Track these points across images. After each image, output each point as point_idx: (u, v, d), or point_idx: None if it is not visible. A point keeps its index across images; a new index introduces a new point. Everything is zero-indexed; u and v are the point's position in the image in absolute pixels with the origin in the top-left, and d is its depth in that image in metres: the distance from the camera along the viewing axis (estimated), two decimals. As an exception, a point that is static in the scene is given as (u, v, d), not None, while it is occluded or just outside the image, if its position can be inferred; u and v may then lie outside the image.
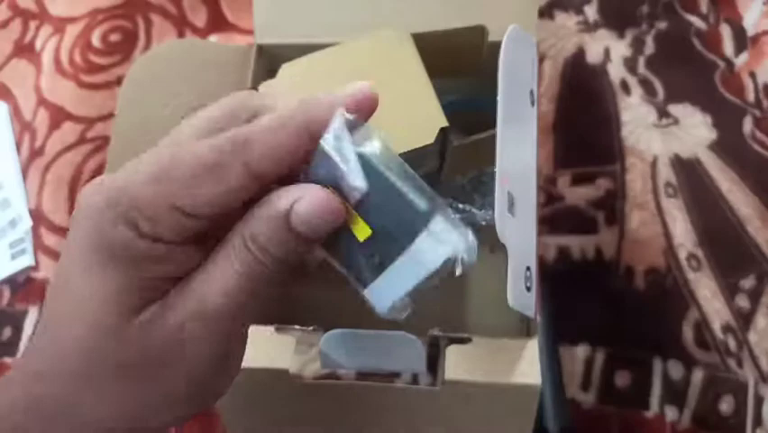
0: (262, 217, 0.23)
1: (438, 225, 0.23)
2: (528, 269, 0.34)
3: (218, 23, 0.65)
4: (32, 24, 0.67)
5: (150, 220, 0.23)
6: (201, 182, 0.23)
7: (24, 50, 0.66)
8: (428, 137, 0.40)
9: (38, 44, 0.66)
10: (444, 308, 0.43)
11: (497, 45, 0.34)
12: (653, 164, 0.54)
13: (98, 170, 0.60)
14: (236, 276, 0.23)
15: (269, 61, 0.50)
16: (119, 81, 0.63)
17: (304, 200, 0.23)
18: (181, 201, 0.23)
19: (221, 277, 0.23)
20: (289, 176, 0.24)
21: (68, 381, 0.23)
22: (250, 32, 0.55)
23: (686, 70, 0.57)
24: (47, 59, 0.65)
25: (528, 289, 0.35)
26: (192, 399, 0.25)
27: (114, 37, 0.65)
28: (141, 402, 0.24)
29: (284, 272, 0.24)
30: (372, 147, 0.23)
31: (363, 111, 0.25)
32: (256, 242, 0.23)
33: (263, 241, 0.23)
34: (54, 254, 0.58)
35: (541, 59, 0.59)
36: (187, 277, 0.24)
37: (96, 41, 0.65)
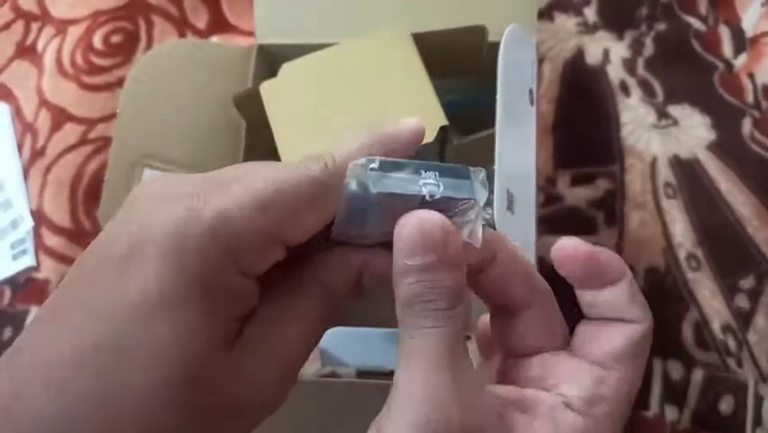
0: (341, 266, 0.24)
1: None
2: (528, 267, 0.34)
3: (219, 24, 0.65)
4: (34, 26, 0.68)
5: (254, 254, 0.21)
6: (303, 211, 0.22)
7: (26, 51, 0.67)
8: (428, 136, 0.40)
9: (40, 46, 0.66)
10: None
11: (497, 45, 0.34)
12: (653, 165, 0.55)
13: (100, 171, 0.60)
14: (314, 321, 0.24)
15: (270, 61, 0.51)
16: (120, 82, 0.63)
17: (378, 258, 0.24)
18: (284, 231, 0.22)
19: (300, 322, 0.23)
20: None
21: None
22: (251, 34, 0.55)
23: (685, 71, 0.58)
24: (49, 60, 0.66)
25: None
26: None
27: (115, 38, 0.66)
28: None
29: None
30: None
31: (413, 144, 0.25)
32: (332, 289, 0.24)
33: (339, 289, 0.24)
34: (55, 255, 0.58)
35: (540, 61, 0.59)
36: (258, 318, 0.23)
37: (97, 42, 0.66)
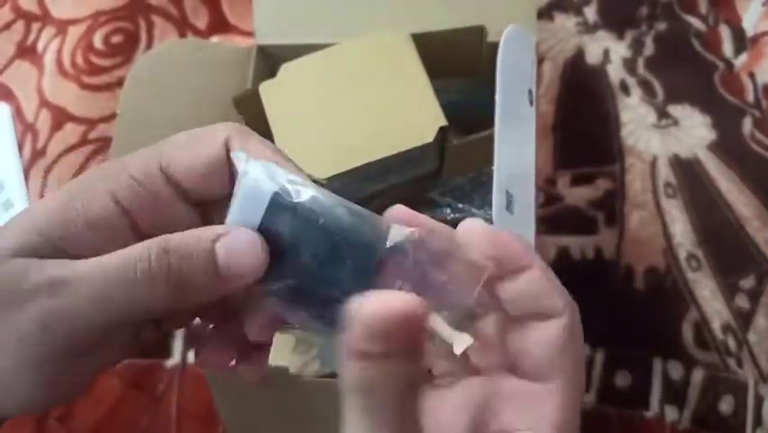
0: (192, 234, 0.23)
1: None
2: (527, 267, 0.34)
3: (219, 24, 0.65)
4: (35, 26, 0.68)
5: (133, 179, 0.24)
6: (191, 145, 0.25)
7: (27, 51, 0.67)
8: (427, 136, 0.40)
9: (40, 46, 0.66)
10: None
11: (496, 45, 0.34)
12: (653, 164, 0.54)
13: (100, 171, 0.60)
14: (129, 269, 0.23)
15: (270, 61, 0.51)
16: (120, 83, 0.63)
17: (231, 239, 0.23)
18: (167, 161, 0.25)
19: (114, 260, 0.23)
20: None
21: None
22: (251, 34, 0.55)
23: (685, 71, 0.58)
24: (49, 60, 0.66)
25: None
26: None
27: (115, 39, 0.66)
28: None
29: (170, 299, 0.23)
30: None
31: None
32: (172, 248, 0.23)
33: (183, 254, 0.23)
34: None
35: (540, 61, 0.59)
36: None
37: (97, 42, 0.66)
